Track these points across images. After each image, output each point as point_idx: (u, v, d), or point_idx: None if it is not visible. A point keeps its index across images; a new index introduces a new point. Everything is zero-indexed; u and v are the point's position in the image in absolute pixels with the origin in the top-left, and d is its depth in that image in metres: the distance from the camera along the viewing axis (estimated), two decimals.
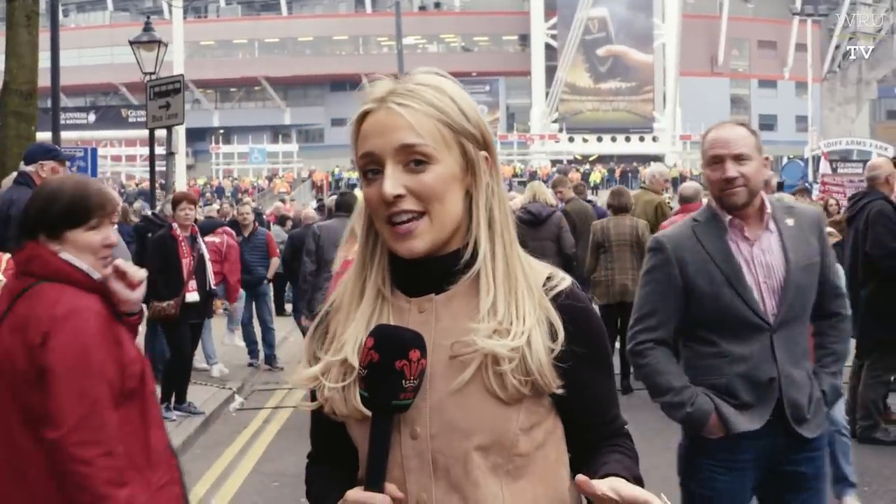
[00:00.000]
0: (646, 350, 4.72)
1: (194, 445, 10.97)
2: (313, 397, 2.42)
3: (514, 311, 2.27)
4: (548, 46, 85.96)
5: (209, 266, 12.03)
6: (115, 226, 4.26)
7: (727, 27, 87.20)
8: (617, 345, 12.07)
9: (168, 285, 11.30)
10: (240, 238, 15.49)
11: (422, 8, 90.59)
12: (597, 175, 69.28)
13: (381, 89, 2.29)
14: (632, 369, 11.71)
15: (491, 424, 2.26)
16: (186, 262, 11.43)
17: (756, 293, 4.55)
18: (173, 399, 11.72)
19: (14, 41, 12.89)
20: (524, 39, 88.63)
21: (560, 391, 2.29)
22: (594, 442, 2.42)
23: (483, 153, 2.33)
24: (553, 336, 2.28)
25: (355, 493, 2.18)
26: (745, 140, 4.67)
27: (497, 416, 2.26)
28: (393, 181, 2.21)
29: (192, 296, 11.48)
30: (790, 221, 4.66)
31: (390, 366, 2.11)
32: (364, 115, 2.29)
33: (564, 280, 2.40)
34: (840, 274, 4.78)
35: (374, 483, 2.17)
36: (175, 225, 11.52)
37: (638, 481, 2.21)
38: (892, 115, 79.98)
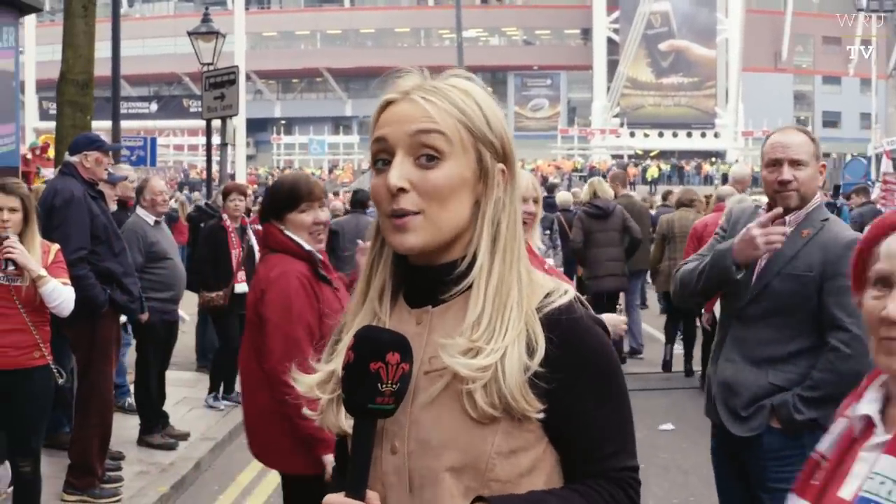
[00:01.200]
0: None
1: (241, 435, 10.96)
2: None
3: (495, 326, 2.13)
4: (609, 40, 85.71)
5: (258, 257, 12.07)
6: (324, 208, 5.51)
7: (791, 22, 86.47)
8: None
9: (217, 276, 11.33)
10: None
11: (484, 1, 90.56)
12: (654, 170, 68.95)
13: (408, 82, 2.23)
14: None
15: (464, 445, 2.12)
16: (236, 254, 11.45)
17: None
18: (221, 388, 11.78)
19: (71, 31, 12.99)
20: (586, 33, 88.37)
21: (539, 415, 2.11)
22: (580, 479, 2.21)
23: (500, 165, 2.23)
24: (531, 353, 2.11)
25: (335, 497, 2.09)
26: (804, 146, 4.81)
27: (471, 436, 2.12)
28: (399, 172, 2.13)
29: (242, 287, 11.46)
30: (808, 231, 4.77)
31: (365, 367, 2.03)
32: (386, 105, 2.22)
33: (565, 295, 2.23)
34: (852, 310, 4.55)
35: (355, 490, 2.08)
36: (225, 216, 11.57)
37: None
38: None
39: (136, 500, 8.47)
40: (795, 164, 4.76)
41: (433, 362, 2.17)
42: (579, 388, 2.15)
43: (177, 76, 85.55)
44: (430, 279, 2.25)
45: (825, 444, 2.39)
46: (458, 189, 2.17)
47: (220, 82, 18.46)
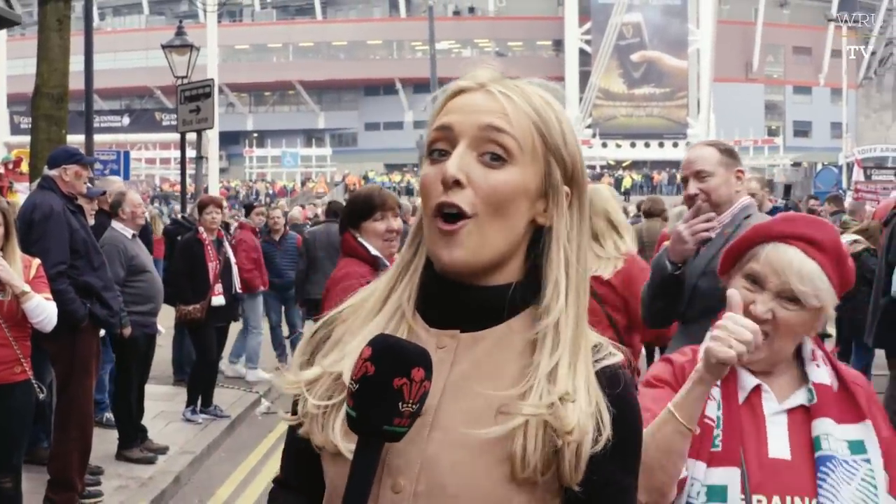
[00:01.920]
0: None
1: (220, 448, 11.01)
2: (294, 409, 2.06)
3: (576, 383, 1.90)
4: (582, 52, 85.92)
5: (235, 270, 12.07)
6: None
7: (762, 33, 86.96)
8: None
9: (194, 289, 11.33)
10: (265, 241, 15.60)
11: (456, 13, 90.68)
12: (628, 180, 69.10)
13: (485, 74, 2.01)
14: None
15: (489, 496, 1.86)
16: (212, 266, 11.45)
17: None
18: (199, 402, 11.75)
19: (46, 45, 12.96)
20: (558, 44, 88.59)
21: (578, 488, 1.88)
22: None
23: (566, 188, 2.00)
24: (599, 429, 1.87)
25: None
26: (708, 158, 5.09)
27: (498, 493, 1.86)
28: (460, 163, 1.89)
29: (218, 299, 11.50)
30: (728, 231, 5.02)
31: (387, 382, 1.75)
32: (457, 93, 2.00)
33: (614, 356, 2.01)
34: None
35: None
36: (201, 228, 11.56)
37: None
38: None
39: None
40: (699, 176, 5.05)
41: (505, 402, 1.88)
42: (618, 460, 1.93)
43: (148, 89, 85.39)
44: (463, 299, 1.99)
45: (713, 412, 2.77)
46: (518, 199, 1.93)
47: (196, 95, 18.43)
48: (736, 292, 2.82)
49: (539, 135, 1.94)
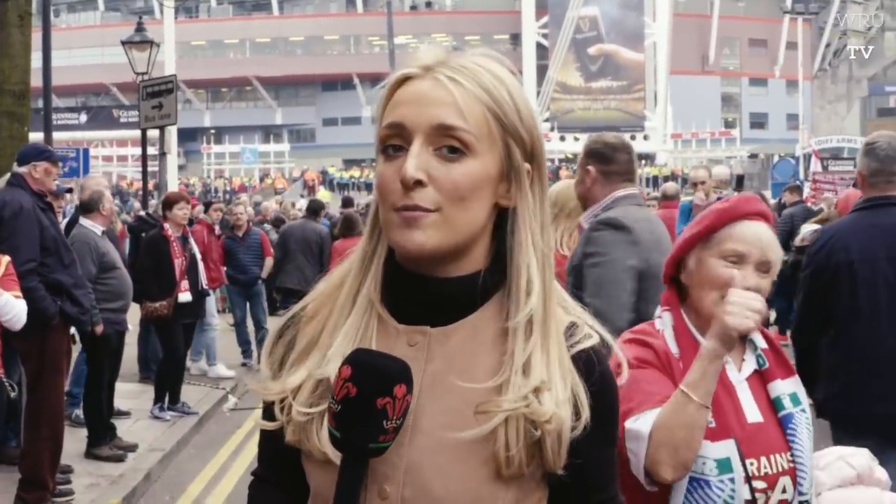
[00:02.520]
0: None
1: (188, 445, 10.98)
2: (267, 413, 2.02)
3: (550, 370, 1.88)
4: (539, 45, 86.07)
5: (201, 266, 12.03)
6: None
7: (718, 26, 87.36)
8: None
9: (160, 285, 11.28)
10: (228, 236, 15.58)
11: (413, 7, 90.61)
12: None
13: (430, 56, 1.91)
14: None
15: (476, 496, 1.86)
16: (179, 262, 11.41)
17: None
18: (167, 399, 11.71)
19: (7, 42, 12.84)
20: (515, 38, 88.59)
21: (562, 472, 1.89)
22: None
23: (527, 166, 1.94)
24: (577, 413, 1.87)
25: None
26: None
27: (485, 491, 1.86)
28: (418, 162, 1.82)
29: (185, 296, 11.46)
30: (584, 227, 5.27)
31: (370, 404, 1.72)
32: (403, 81, 1.91)
33: (591, 337, 1.97)
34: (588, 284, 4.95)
35: None
36: (167, 225, 11.51)
37: None
38: (883, 112, 79.91)
39: None
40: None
41: (481, 399, 1.85)
42: (597, 437, 1.92)
43: (105, 86, 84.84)
44: (427, 291, 1.94)
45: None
46: (481, 188, 1.88)
47: (158, 91, 18.31)
48: (733, 270, 3.06)
49: (494, 118, 1.88)
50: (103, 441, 9.85)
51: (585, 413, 1.86)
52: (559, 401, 1.84)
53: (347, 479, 1.78)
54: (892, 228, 5.45)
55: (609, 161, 5.22)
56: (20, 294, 6.94)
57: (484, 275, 1.93)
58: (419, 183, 1.82)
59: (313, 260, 15.08)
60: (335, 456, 1.81)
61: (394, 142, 1.87)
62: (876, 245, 5.42)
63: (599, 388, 1.91)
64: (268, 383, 1.99)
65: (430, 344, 1.92)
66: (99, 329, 9.06)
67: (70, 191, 10.09)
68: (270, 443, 2.03)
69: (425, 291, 1.93)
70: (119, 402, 10.90)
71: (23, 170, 8.13)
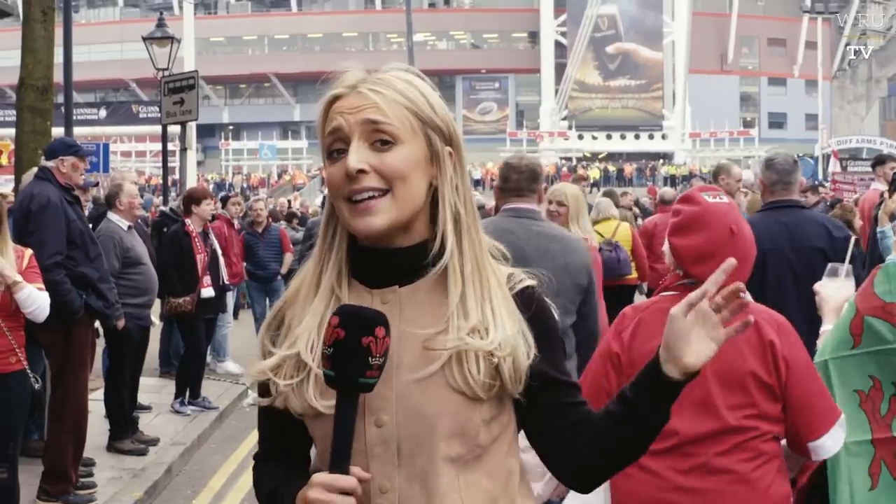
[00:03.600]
0: None
1: (209, 440, 11.03)
2: (263, 391, 2.42)
3: (489, 312, 2.30)
4: (557, 44, 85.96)
5: (222, 261, 12.07)
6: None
7: (737, 25, 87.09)
8: None
9: (183, 281, 11.31)
10: (248, 232, 15.62)
11: (431, 5, 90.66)
12: (595, 172, 68.82)
13: (352, 77, 2.36)
14: None
15: (456, 414, 2.27)
16: (201, 258, 11.45)
17: None
18: (188, 394, 11.75)
19: (30, 37, 12.88)
20: (534, 36, 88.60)
21: (519, 397, 2.34)
22: (583, 416, 2.40)
23: (448, 149, 2.38)
24: (528, 347, 2.31)
25: (321, 476, 2.16)
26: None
27: (462, 406, 2.27)
28: (357, 156, 2.25)
29: (207, 291, 11.50)
30: None
31: (357, 342, 2.09)
32: (334, 100, 2.35)
33: (527, 280, 2.44)
34: None
35: (340, 465, 2.14)
36: (188, 221, 11.54)
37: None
38: None
39: None
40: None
41: (427, 339, 2.29)
42: (546, 354, 2.35)
43: (124, 82, 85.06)
44: (397, 261, 2.36)
45: None
46: (415, 169, 2.30)
47: (180, 87, 18.36)
48: None
49: (412, 113, 2.31)
50: (125, 435, 9.89)
51: (532, 343, 2.30)
52: (507, 335, 2.27)
53: (343, 412, 2.14)
54: (793, 224, 6.74)
55: (504, 180, 6.17)
56: (43, 286, 6.96)
57: (431, 241, 2.36)
58: (362, 171, 2.25)
59: None
60: (325, 408, 2.23)
61: (336, 146, 2.31)
62: (783, 238, 6.65)
63: (535, 314, 2.36)
64: (255, 366, 2.39)
65: (400, 300, 2.34)
66: (120, 324, 9.09)
67: (96, 184, 10.12)
68: (267, 419, 2.48)
69: (385, 261, 2.37)
70: (140, 397, 10.93)
71: (50, 164, 8.19)
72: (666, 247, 3.94)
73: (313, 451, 2.49)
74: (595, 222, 11.23)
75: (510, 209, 6.07)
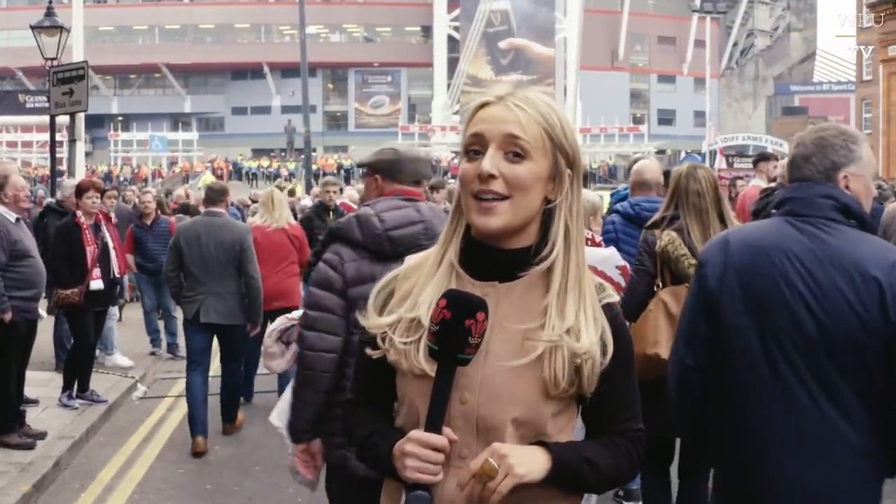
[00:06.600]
0: None
1: (98, 433, 10.93)
2: (372, 343, 2.75)
3: (582, 318, 2.63)
4: (450, 38, 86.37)
5: (113, 254, 11.95)
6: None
7: (628, 22, 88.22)
8: None
9: (72, 273, 11.18)
10: (137, 225, 15.50)
11: None
12: None
13: (503, 89, 2.69)
14: None
15: (529, 404, 2.61)
16: (91, 250, 11.31)
17: None
18: (76, 387, 11.64)
19: None
20: (427, 31, 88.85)
21: (591, 395, 2.67)
22: (604, 436, 2.76)
23: (569, 171, 2.68)
24: (604, 352, 2.64)
25: (417, 432, 2.54)
26: None
27: (537, 398, 2.61)
28: (492, 161, 2.57)
29: (97, 283, 11.36)
30: None
31: (460, 323, 2.44)
32: (483, 105, 2.67)
33: (613, 295, 2.77)
34: None
35: (435, 426, 2.52)
36: (79, 213, 11.42)
37: (589, 463, 2.66)
38: (788, 111, 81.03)
39: None
40: None
41: (525, 332, 2.62)
42: (619, 370, 2.70)
43: (10, 70, 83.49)
44: (502, 259, 2.69)
45: None
46: (536, 183, 2.62)
47: (69, 77, 18.14)
48: None
49: (547, 135, 2.63)
50: (12, 429, 9.78)
51: (611, 350, 2.65)
52: (592, 340, 2.61)
53: (441, 382, 2.52)
54: None
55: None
56: None
57: (535, 247, 2.68)
58: (492, 176, 2.57)
59: None
60: (430, 369, 2.56)
61: (474, 147, 2.64)
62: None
63: (619, 331, 2.71)
64: (372, 320, 2.77)
65: (498, 294, 2.67)
66: (7, 317, 8.98)
67: None
68: (367, 369, 2.84)
69: (493, 258, 2.69)
70: (27, 391, 10.81)
71: None
72: None
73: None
74: None
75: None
